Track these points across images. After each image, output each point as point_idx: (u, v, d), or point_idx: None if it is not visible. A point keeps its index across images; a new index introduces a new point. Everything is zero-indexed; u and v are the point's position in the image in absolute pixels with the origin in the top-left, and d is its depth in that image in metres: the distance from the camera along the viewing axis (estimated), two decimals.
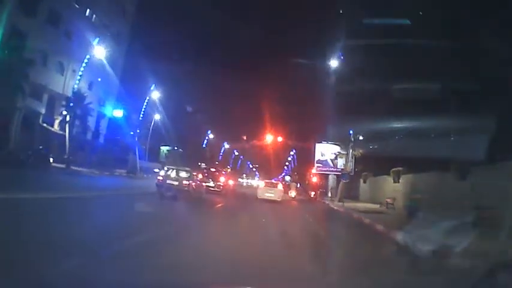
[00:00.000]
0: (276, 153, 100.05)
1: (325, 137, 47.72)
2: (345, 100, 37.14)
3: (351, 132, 36.00)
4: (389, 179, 38.89)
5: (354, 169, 47.03)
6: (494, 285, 5.56)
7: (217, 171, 34.84)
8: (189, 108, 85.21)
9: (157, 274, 6.85)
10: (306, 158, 71.41)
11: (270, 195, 31.54)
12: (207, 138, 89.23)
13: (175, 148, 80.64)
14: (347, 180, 35.40)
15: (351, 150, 36.33)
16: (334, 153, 47.51)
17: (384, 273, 8.48)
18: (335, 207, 31.91)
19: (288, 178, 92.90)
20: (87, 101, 41.16)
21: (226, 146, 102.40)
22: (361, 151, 37.87)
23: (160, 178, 24.45)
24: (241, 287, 6.48)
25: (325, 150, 47.85)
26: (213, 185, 32.74)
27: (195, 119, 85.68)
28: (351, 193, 45.46)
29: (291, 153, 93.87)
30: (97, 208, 15.19)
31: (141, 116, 58.55)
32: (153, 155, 74.35)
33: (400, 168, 35.95)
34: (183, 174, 25.03)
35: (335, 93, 37.54)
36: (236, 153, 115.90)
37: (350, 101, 36.51)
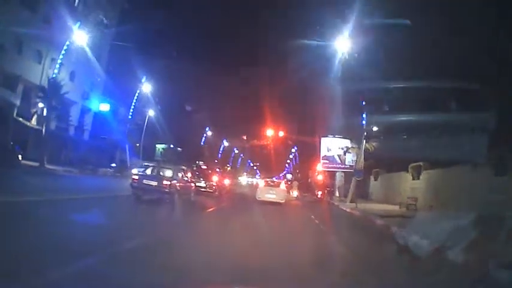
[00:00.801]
0: (277, 151, 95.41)
1: (332, 131, 42.56)
2: (355, 88, 32.07)
3: (364, 122, 30.81)
4: (407, 176, 33.84)
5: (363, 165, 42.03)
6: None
7: (209, 169, 29.71)
8: (188, 108, 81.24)
9: None
10: (309, 154, 66.39)
11: (271, 196, 26.47)
12: (205, 135, 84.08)
13: (171, 146, 76.19)
14: (361, 178, 30.17)
15: (364, 143, 31.07)
16: (342, 148, 42.33)
17: None
18: (348, 210, 26.78)
19: (289, 176, 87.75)
20: (64, 90, 35.91)
21: (226, 143, 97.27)
22: (374, 144, 32.75)
23: (136, 177, 19.44)
24: (241, 287, 6.21)
25: (332, 145, 42.68)
26: (204, 185, 27.71)
27: (193, 116, 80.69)
28: (359, 192, 40.29)
29: (292, 150, 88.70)
30: (43, 216, 10.95)
31: (131, 111, 53.34)
32: (149, 154, 69.98)
33: (420, 163, 30.87)
34: (164, 172, 20.01)
35: (344, 79, 32.42)
36: (236, 151, 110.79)
37: (361, 89, 31.44)
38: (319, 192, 36.14)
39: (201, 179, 27.91)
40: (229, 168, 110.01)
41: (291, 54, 33.48)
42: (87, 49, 41.72)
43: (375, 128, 31.86)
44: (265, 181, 29.51)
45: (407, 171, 33.68)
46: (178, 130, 72.92)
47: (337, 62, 30.97)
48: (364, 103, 30.52)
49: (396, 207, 30.09)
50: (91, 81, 48.68)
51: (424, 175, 30.66)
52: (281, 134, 48.34)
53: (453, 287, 7.37)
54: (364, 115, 30.77)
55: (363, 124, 30.83)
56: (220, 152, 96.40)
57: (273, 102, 60.70)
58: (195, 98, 78.32)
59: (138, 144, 64.14)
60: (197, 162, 76.72)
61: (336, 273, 8.10)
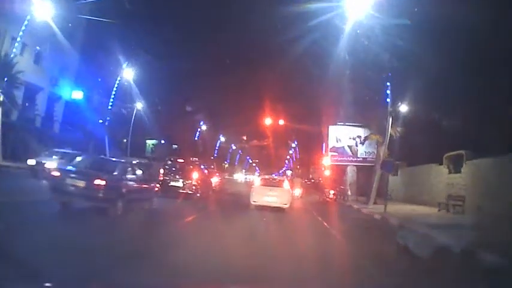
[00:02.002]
0: (276, 148, 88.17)
1: (341, 118, 35.04)
2: (374, 57, 24.54)
3: (389, 99, 23.08)
4: (440, 169, 26.32)
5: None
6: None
7: (188, 164, 21.89)
8: (185, 105, 74.07)
9: None
10: (311, 147, 59.04)
11: (271, 199, 18.79)
12: (199, 130, 76.56)
13: (162, 142, 68.83)
14: (392, 173, 22.33)
15: (389, 126, 23.27)
16: (354, 138, 34.86)
17: None
18: (377, 217, 19.20)
19: (289, 173, 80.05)
20: (17, 69, 28.44)
21: (222, 139, 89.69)
22: (399, 129, 25.13)
23: (57, 174, 11.89)
24: (241, 286, 5.93)
25: (342, 135, 35.20)
26: (181, 184, 20.13)
27: (188, 110, 73.05)
28: (369, 188, 32.93)
29: (293, 145, 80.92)
30: None
31: (111, 100, 45.69)
32: (138, 150, 62.62)
33: (462, 152, 23.36)
34: (102, 166, 12.50)
35: (359, 49, 24.91)
36: (234, 148, 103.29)
37: (382, 59, 23.87)
38: (331, 192, 28.30)
39: (178, 176, 20.37)
40: (226, 165, 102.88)
41: (290, 27, 25.82)
42: (53, 25, 33.92)
43: (403, 108, 24.17)
44: (262, 179, 21.05)
45: (441, 163, 26.19)
46: (171, 125, 65.36)
47: (349, 27, 23.27)
48: (390, 74, 22.93)
49: (432, 209, 22.63)
50: (61, 65, 40.92)
51: (466, 167, 23.14)
52: (281, 122, 40.75)
53: None
54: (388, 91, 23.14)
55: (388, 102, 23.20)
56: (216, 148, 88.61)
57: (272, 88, 53.02)
58: (190, 90, 70.28)
59: (125, 140, 56.99)
60: (191, 159, 69.59)
61: None
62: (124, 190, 12.19)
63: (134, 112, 54.59)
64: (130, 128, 55.30)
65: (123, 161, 14.53)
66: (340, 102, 33.19)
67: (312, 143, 59.36)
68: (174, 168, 20.96)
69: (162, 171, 20.74)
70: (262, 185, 19.70)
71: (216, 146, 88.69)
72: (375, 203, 24.11)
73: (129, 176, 12.98)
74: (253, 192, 19.08)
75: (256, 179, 23.53)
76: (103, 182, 11.20)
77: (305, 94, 41.37)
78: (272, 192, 18.81)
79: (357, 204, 25.83)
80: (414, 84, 23.92)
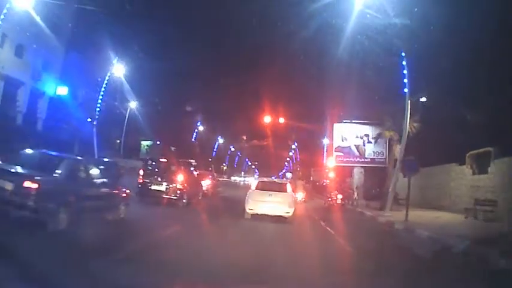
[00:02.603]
0: (276, 150, 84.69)
1: (348, 115, 31.73)
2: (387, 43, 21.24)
3: (406, 89, 19.56)
4: (462, 170, 23.01)
5: (387, 157, 31.20)
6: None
7: (173, 164, 18.30)
8: (186, 108, 70.90)
9: None
10: (313, 147, 55.77)
11: (271, 207, 15.34)
12: (196, 130, 73.27)
13: (158, 143, 65.56)
14: (414, 174, 18.73)
15: (407, 120, 19.68)
16: (361, 137, 31.50)
17: None
18: (399, 227, 15.73)
19: (289, 175, 76.38)
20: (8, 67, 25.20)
21: (221, 140, 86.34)
22: (415, 125, 21.72)
23: None
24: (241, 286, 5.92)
25: (348, 133, 31.83)
26: (164, 188, 16.72)
27: (184, 110, 69.42)
28: (382, 193, 29.59)
29: (293, 147, 77.51)
30: None
31: (101, 97, 42.23)
32: (132, 151, 59.51)
33: (489, 149, 20.04)
34: (42, 164, 9.19)
35: (368, 34, 21.60)
36: (232, 149, 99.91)
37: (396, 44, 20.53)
38: (339, 196, 24.59)
39: (160, 178, 16.98)
40: (225, 167, 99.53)
41: (291, 17, 22.54)
42: (36, 15, 30.60)
43: (422, 99, 20.69)
44: (260, 182, 16.98)
45: (462, 163, 22.89)
46: (167, 126, 62.06)
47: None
48: (403, 54, 19.46)
49: (457, 216, 19.26)
50: (46, 59, 37.49)
51: (495, 166, 19.82)
52: (281, 120, 37.33)
53: None
54: (406, 80, 19.70)
55: (405, 93, 19.75)
56: (214, 149, 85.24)
57: (272, 85, 49.69)
58: (187, 90, 66.63)
59: (118, 141, 53.78)
60: (189, 161, 66.33)
61: None
62: (70, 197, 8.84)
63: (128, 111, 51.53)
64: (124, 128, 52.19)
65: (73, 157, 11.13)
66: (346, 97, 29.90)
67: (313, 143, 56.17)
68: (156, 169, 17.53)
69: (141, 172, 17.37)
70: (260, 189, 16.11)
71: (214, 147, 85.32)
72: (392, 209, 20.72)
73: (82, 178, 9.64)
74: (249, 198, 15.66)
75: (253, 181, 19.52)
76: (35, 185, 7.88)
77: (307, 91, 38.12)
78: (272, 198, 15.41)
79: (369, 210, 22.29)
80: (433, 71, 20.65)
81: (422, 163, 28.07)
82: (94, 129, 40.78)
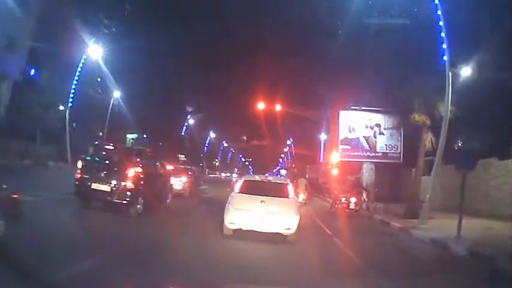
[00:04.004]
0: (274, 147, 79.56)
1: (356, 100, 26.09)
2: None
3: (445, 57, 13.78)
4: (508, 165, 17.61)
5: (402, 151, 25.71)
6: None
7: (124, 153, 12.25)
8: (190, 109, 65.95)
9: None
10: (310, 142, 50.19)
11: (263, 221, 9.55)
12: (186, 124, 67.67)
13: (145, 136, 59.86)
14: (471, 169, 13.02)
15: (449, 97, 13.73)
16: (371, 127, 25.93)
17: None
18: (459, 250, 10.00)
19: (283, 172, 70.59)
20: None
21: (213, 135, 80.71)
22: (451, 108, 15.98)
23: None
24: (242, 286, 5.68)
25: (356, 123, 26.15)
26: (108, 188, 11.05)
27: (175, 102, 63.62)
28: (392, 192, 24.06)
29: (288, 142, 71.89)
30: None
31: (75, 83, 36.33)
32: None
33: None
34: None
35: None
36: (225, 145, 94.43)
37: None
38: (352, 200, 18.17)
39: (103, 174, 11.31)
40: (217, 164, 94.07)
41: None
42: None
43: (464, 72, 14.89)
44: (247, 181, 10.81)
45: (505, 157, 17.43)
46: (156, 119, 56.35)
47: None
48: (438, 12, 13.86)
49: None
50: (9, 38, 31.63)
51: None
52: (278, 108, 31.47)
53: None
54: (444, 45, 14.02)
55: (444, 62, 14.04)
56: (206, 144, 79.65)
57: (268, 69, 44.09)
58: (178, 80, 60.68)
59: (101, 133, 48.02)
60: (178, 156, 61.16)
61: None
62: None
63: (112, 101, 45.70)
64: (107, 119, 46.40)
65: None
66: (354, 78, 24.31)
67: (309, 139, 50.86)
68: (100, 161, 11.80)
69: (80, 164, 11.64)
70: (247, 192, 10.30)
71: (205, 142, 79.82)
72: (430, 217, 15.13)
73: None
74: (231, 206, 9.97)
75: (237, 181, 11.98)
76: None
77: (307, 74, 32.52)
78: (265, 207, 9.74)
79: (393, 219, 16.16)
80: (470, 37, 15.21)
81: (445, 158, 22.51)
82: (67, 118, 35.22)
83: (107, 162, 11.70)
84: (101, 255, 6.63)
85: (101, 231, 8.91)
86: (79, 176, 11.50)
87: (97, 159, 11.84)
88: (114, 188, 11.15)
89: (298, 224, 9.98)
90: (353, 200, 17.43)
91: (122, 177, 11.19)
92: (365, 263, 8.57)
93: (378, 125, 25.74)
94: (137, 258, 6.89)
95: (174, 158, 58.44)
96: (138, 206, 11.46)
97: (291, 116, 43.13)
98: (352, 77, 25.04)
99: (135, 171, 11.30)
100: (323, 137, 42.59)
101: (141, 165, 11.96)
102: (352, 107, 26.03)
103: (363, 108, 25.77)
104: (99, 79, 42.85)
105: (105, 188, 11.21)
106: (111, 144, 12.57)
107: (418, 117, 16.34)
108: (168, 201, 14.38)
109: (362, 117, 26.01)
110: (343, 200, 18.86)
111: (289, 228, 9.81)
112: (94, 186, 11.27)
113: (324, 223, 14.93)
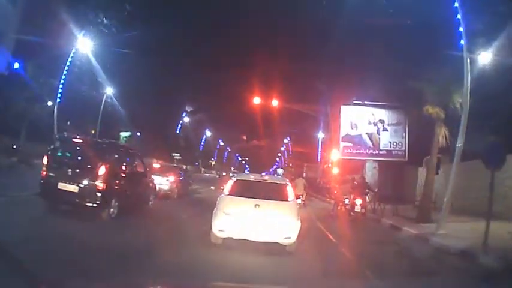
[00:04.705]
0: (272, 146, 77.79)
1: (360, 94, 24.37)
2: None
3: (463, 41, 12.04)
4: None
5: (407, 149, 24.03)
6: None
7: (95, 148, 10.31)
8: (188, 109, 65.20)
9: None
10: (307, 141, 48.66)
11: (258, 228, 7.84)
12: (181, 122, 65.95)
13: (139, 134, 58.25)
14: (501, 166, 11.33)
15: (469, 83, 11.98)
16: (375, 123, 24.25)
17: None
18: (494, 264, 8.21)
19: (280, 171, 68.76)
20: None
21: (208, 133, 78.87)
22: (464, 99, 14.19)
23: None
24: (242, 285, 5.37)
25: (359, 119, 24.45)
26: (76, 188, 9.24)
27: (169, 99, 61.72)
28: (395, 192, 22.33)
29: (285, 140, 70.18)
30: None
31: (63, 77, 34.49)
32: None
33: None
34: None
35: None
36: (221, 144, 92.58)
37: None
38: (358, 201, 16.09)
39: (71, 172, 9.54)
40: (213, 163, 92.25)
41: None
42: None
43: (482, 58, 13.05)
44: (239, 180, 9.04)
45: None
46: (147, 114, 54.62)
47: None
48: None
49: None
50: None
51: None
52: (275, 103, 29.60)
53: None
54: (461, 28, 12.26)
55: (461, 46, 12.23)
56: (202, 143, 77.81)
57: (265, 64, 42.41)
58: (170, 72, 58.80)
59: (93, 131, 46.27)
60: (173, 155, 59.59)
61: None
62: None
63: (104, 98, 43.93)
64: (99, 116, 44.63)
65: None
66: (357, 69, 22.60)
67: (306, 138, 49.31)
68: (66, 156, 10.02)
69: (45, 161, 9.85)
70: (238, 194, 8.58)
71: (201, 140, 78.05)
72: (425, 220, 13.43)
73: None
74: (219, 210, 8.27)
75: (228, 183, 9.20)
76: None
77: (306, 67, 30.75)
78: (260, 212, 8.03)
79: (405, 223, 14.27)
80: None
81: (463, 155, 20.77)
82: (55, 114, 33.45)
83: (76, 158, 9.93)
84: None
85: (51, 242, 7.09)
86: (44, 173, 9.74)
87: (64, 154, 10.06)
88: (82, 189, 9.39)
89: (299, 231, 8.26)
90: (358, 201, 15.53)
91: (91, 175, 9.42)
92: (381, 280, 6.86)
93: (382, 121, 24.05)
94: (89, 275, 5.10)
95: (168, 156, 57.06)
96: (112, 209, 9.69)
97: (288, 114, 41.57)
98: (354, 69, 23.31)
99: (106, 169, 9.50)
100: (321, 135, 40.99)
101: (116, 161, 10.19)
102: (354, 102, 24.30)
103: (366, 102, 24.06)
104: (90, 74, 41.16)
105: (72, 188, 9.45)
106: (79, 136, 10.72)
107: (431, 110, 14.54)
108: (150, 203, 12.56)
109: (365, 113, 24.30)
110: (347, 201, 17.12)
111: (288, 237, 8.09)
112: (60, 186, 9.51)
113: (327, 228, 13.09)
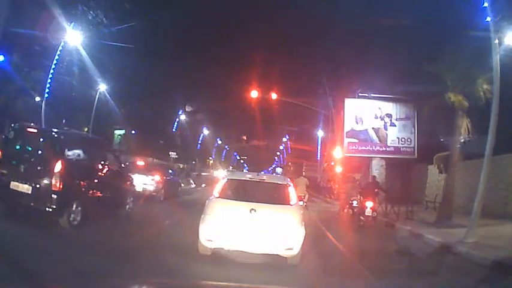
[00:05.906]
0: (272, 145, 76.12)
1: (365, 85, 22.58)
2: None
3: (489, 18, 10.29)
4: None
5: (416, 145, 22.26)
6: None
7: (50, 138, 8.27)
8: (185, 107, 63.12)
9: None
10: (307, 138, 47.10)
11: (254, 237, 6.20)
12: (177, 120, 64.20)
13: (133, 132, 56.57)
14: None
15: (498, 66, 10.23)
16: (382, 117, 22.44)
17: None
18: None
19: (279, 170, 67.04)
20: None
21: (206, 132, 77.08)
22: (486, 87, 12.28)
23: None
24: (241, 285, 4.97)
25: (364, 113, 22.61)
26: (28, 190, 7.38)
27: (165, 97, 59.99)
28: (403, 192, 20.57)
29: (284, 139, 68.53)
30: None
31: (52, 72, 32.68)
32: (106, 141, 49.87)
33: None
34: None
35: None
36: (219, 142, 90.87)
37: None
38: (368, 204, 14.13)
39: (24, 170, 7.69)
40: (211, 161, 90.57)
41: None
42: None
43: (509, 39, 11.23)
44: (231, 180, 7.38)
45: None
46: (143, 112, 52.96)
47: None
48: None
49: None
50: None
51: None
52: (274, 96, 27.76)
53: None
54: (486, 3, 10.45)
55: (487, 23, 10.38)
56: (199, 141, 76.09)
57: (265, 58, 40.85)
58: (166, 69, 57.05)
59: (86, 129, 44.55)
60: (169, 153, 58.12)
61: None
62: None
63: (97, 95, 42.19)
64: (92, 114, 42.87)
65: None
66: (364, 57, 20.84)
67: (307, 134, 47.76)
68: (21, 150, 8.15)
69: None
70: (231, 196, 6.97)
71: (198, 139, 76.43)
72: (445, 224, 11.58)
73: None
74: (208, 216, 6.49)
75: (218, 184, 7.44)
76: None
77: (307, 59, 28.97)
78: (257, 219, 6.25)
79: (421, 227, 12.28)
80: None
81: (466, 152, 18.88)
82: (42, 109, 31.71)
83: (29, 151, 8.06)
84: None
85: None
86: None
87: (19, 147, 8.20)
88: (36, 189, 7.54)
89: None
90: (369, 204, 13.56)
91: (46, 173, 7.56)
92: None
93: (389, 115, 22.24)
94: None
95: (165, 155, 55.44)
96: (72, 215, 7.80)
97: (288, 112, 40.02)
98: (359, 56, 21.55)
99: (63, 165, 7.59)
100: (321, 133, 39.26)
101: (79, 156, 8.32)
102: (360, 95, 22.47)
103: (372, 95, 22.25)
104: (82, 70, 39.49)
105: (25, 188, 7.62)
106: (34, 126, 8.84)
107: (453, 97, 12.66)
108: (127, 207, 10.56)
109: (371, 106, 22.48)
110: (355, 203, 15.22)
111: (290, 249, 6.39)
112: (13, 185, 7.69)
113: (336, 236, 11.07)
